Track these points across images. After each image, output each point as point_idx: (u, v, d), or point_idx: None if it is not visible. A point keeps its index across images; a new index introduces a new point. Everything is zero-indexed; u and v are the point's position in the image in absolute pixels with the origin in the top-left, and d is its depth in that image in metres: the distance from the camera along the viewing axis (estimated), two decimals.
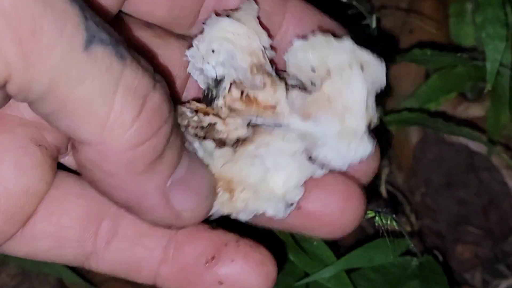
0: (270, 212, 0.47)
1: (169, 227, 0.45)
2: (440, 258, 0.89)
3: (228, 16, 0.46)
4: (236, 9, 0.47)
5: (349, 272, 0.82)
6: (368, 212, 0.70)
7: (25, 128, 0.45)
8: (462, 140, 0.97)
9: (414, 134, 0.97)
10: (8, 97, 0.41)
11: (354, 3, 0.86)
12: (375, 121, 0.45)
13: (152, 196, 0.43)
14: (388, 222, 0.73)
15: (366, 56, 0.44)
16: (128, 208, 0.44)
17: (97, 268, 0.48)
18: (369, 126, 0.45)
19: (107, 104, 0.39)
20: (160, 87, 0.41)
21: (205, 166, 0.46)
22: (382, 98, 0.88)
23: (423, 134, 0.97)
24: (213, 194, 0.46)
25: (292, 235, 0.81)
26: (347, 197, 0.48)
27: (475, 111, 0.98)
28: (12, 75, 0.38)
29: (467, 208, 0.96)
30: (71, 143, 0.44)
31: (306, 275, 0.82)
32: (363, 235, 0.98)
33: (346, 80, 0.44)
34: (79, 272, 0.90)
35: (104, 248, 0.47)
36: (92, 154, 0.41)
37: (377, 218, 0.70)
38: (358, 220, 0.49)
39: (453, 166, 0.97)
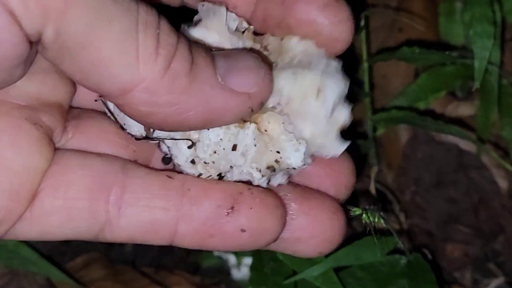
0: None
1: (252, 111, 0.46)
2: (429, 256, 0.89)
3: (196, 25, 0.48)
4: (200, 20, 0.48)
5: (337, 270, 0.81)
6: (356, 209, 0.69)
7: (20, 110, 0.46)
8: (452, 139, 0.97)
9: (404, 133, 0.97)
10: (34, 54, 0.43)
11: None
12: (346, 123, 0.46)
13: (215, 96, 0.45)
14: (376, 220, 0.72)
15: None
16: (209, 122, 0.45)
17: (113, 238, 0.48)
18: (340, 129, 0.47)
19: (134, 41, 0.42)
20: (161, 15, 0.45)
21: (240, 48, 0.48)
22: (371, 96, 0.89)
23: (413, 133, 0.97)
24: (263, 63, 0.47)
25: None
26: (334, 210, 0.51)
27: (464, 109, 0.98)
28: (51, 17, 0.40)
29: (457, 207, 0.96)
30: (113, 105, 0.46)
31: (294, 273, 0.82)
32: (351, 233, 0.98)
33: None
34: (68, 271, 0.90)
35: (117, 215, 0.47)
36: (140, 96, 0.43)
37: (364, 215, 0.70)
38: (343, 233, 0.52)
39: (443, 165, 0.97)
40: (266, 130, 0.48)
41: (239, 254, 0.92)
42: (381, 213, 0.74)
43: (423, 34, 0.96)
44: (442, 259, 0.95)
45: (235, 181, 0.48)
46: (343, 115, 0.47)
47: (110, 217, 0.47)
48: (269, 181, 0.48)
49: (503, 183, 0.96)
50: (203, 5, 0.48)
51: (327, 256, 0.81)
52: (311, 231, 0.52)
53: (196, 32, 0.47)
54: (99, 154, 0.48)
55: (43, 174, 0.46)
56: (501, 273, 0.95)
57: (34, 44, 0.41)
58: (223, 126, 0.47)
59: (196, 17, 0.49)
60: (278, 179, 0.49)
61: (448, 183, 0.97)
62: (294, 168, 0.48)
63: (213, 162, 0.47)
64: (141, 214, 0.47)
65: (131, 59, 0.42)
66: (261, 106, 0.47)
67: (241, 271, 0.96)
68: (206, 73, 0.45)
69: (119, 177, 0.47)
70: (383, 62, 0.94)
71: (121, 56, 0.42)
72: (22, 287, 0.89)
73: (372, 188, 0.88)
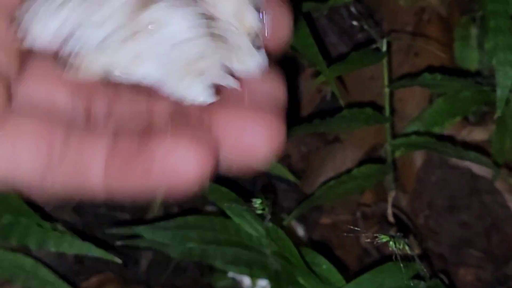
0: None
1: None
2: (446, 281, 0.89)
3: None
4: None
5: None
6: (383, 237, 0.69)
7: None
8: (466, 163, 0.97)
9: (418, 157, 0.97)
10: None
11: (365, 27, 0.86)
12: (256, 32, 0.42)
13: None
14: (401, 246, 0.73)
15: None
16: None
17: (52, 188, 0.46)
18: (253, 39, 0.42)
19: None
20: None
21: None
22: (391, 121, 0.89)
23: (427, 156, 0.97)
24: None
25: (303, 258, 0.80)
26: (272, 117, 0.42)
27: (478, 134, 0.98)
28: None
29: (469, 231, 0.97)
30: None
31: None
32: (369, 259, 0.98)
33: None
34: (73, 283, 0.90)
35: (58, 163, 0.45)
36: None
37: (391, 243, 0.70)
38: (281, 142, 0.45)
39: (456, 189, 0.97)
40: None
41: (253, 276, 0.91)
42: (406, 240, 0.74)
43: (438, 59, 0.97)
44: (454, 284, 0.96)
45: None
46: (251, 18, 0.42)
47: (51, 164, 0.46)
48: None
49: None
50: None
51: (348, 282, 0.81)
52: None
53: None
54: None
55: None
56: None
57: None
58: None
59: None
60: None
61: (461, 207, 0.97)
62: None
63: None
64: (75, 163, 0.44)
65: None
66: None
67: None
68: None
69: (63, 125, 0.44)
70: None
71: None
72: None
73: (390, 213, 0.89)
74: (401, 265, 0.72)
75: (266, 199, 0.75)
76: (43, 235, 0.83)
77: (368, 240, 0.97)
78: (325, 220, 0.98)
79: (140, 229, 0.83)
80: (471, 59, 0.97)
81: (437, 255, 0.96)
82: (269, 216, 0.77)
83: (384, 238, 0.70)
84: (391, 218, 0.87)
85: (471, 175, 0.97)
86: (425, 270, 0.74)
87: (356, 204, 0.98)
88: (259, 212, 0.77)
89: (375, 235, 0.68)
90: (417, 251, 0.90)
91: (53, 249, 0.83)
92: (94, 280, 0.94)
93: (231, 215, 0.82)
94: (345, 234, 0.98)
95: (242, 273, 0.86)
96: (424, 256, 0.89)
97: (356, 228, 0.93)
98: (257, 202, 0.74)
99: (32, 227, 0.83)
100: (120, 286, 0.95)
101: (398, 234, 0.73)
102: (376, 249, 0.97)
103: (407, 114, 0.96)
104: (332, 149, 0.98)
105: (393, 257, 0.72)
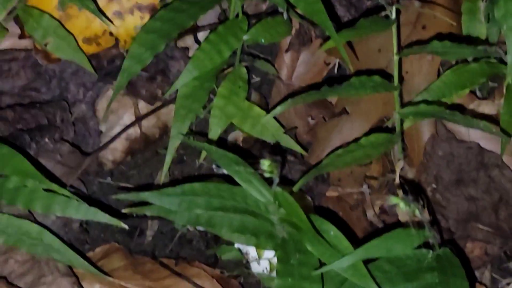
0: None
1: None
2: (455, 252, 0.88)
3: None
4: None
5: (364, 263, 0.81)
6: (393, 198, 0.69)
7: None
8: (473, 137, 0.97)
9: (425, 131, 0.97)
10: None
11: None
12: None
13: None
14: (412, 210, 0.72)
15: None
16: None
17: None
18: None
19: None
20: None
21: None
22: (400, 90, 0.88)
23: (434, 130, 0.97)
24: None
25: (312, 223, 0.80)
26: None
27: (486, 108, 0.98)
28: None
29: (477, 206, 0.96)
30: None
31: (321, 265, 0.82)
32: (372, 229, 0.98)
33: None
34: (90, 260, 0.89)
35: None
36: None
37: (401, 205, 0.69)
38: None
39: (464, 163, 0.97)
40: None
41: (260, 246, 0.90)
42: (418, 205, 0.73)
43: (447, 28, 0.96)
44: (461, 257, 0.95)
45: None
46: None
47: None
48: None
49: None
50: None
51: (356, 247, 0.81)
52: None
53: None
54: None
55: None
56: None
57: None
58: None
59: None
60: None
61: (468, 182, 0.97)
62: None
63: None
64: None
65: None
66: None
67: (261, 264, 0.95)
68: None
69: None
70: (407, 58, 0.94)
71: None
72: (43, 274, 0.87)
73: (398, 182, 0.88)
74: (413, 229, 0.71)
75: (274, 162, 0.75)
76: (49, 200, 0.82)
77: (374, 213, 0.96)
78: (332, 192, 0.98)
79: (147, 195, 0.82)
80: (478, 33, 0.96)
81: (444, 229, 0.96)
82: (277, 179, 0.76)
83: (395, 200, 0.69)
84: (398, 187, 0.86)
85: (479, 149, 0.97)
86: (436, 236, 0.73)
87: (363, 177, 0.97)
88: (267, 175, 0.76)
89: (386, 197, 0.67)
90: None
91: (59, 214, 0.83)
92: (99, 250, 0.94)
93: (238, 180, 0.81)
94: (351, 206, 0.98)
95: (248, 243, 0.85)
96: (433, 225, 0.88)
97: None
98: (265, 164, 0.74)
99: (38, 192, 0.83)
100: (126, 256, 0.94)
101: (410, 197, 0.72)
102: (382, 222, 0.97)
103: (415, 87, 0.95)
104: (339, 121, 0.98)
105: (406, 221, 0.71)
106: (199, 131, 0.98)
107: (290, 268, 0.82)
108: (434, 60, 0.96)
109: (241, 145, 0.98)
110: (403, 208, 0.69)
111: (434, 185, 0.96)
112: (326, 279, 0.83)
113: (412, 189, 0.92)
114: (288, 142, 0.95)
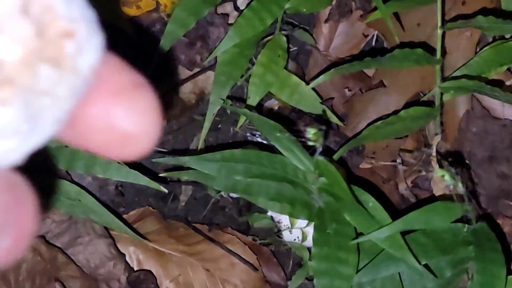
0: None
1: None
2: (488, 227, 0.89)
3: None
4: None
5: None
6: (439, 170, 0.69)
7: None
8: (508, 114, 0.97)
9: (461, 107, 0.97)
10: None
11: None
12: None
13: None
14: (454, 181, 0.72)
15: None
16: None
17: None
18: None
19: None
20: None
21: None
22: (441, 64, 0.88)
23: (469, 107, 0.97)
24: None
25: (353, 193, 0.80)
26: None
27: None
28: None
29: (508, 183, 0.96)
30: None
31: (358, 235, 0.82)
32: (403, 202, 0.98)
33: None
34: (126, 222, 0.89)
35: None
36: None
37: (446, 177, 0.70)
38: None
39: (497, 141, 0.97)
40: None
41: (294, 216, 0.91)
42: (459, 177, 0.74)
43: (486, 3, 0.96)
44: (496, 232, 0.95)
45: None
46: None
47: None
48: None
49: None
50: None
51: (394, 219, 0.81)
52: None
53: None
54: None
55: None
56: None
57: None
58: None
59: None
60: None
61: (501, 159, 0.97)
62: None
63: None
64: None
65: None
66: None
67: (293, 233, 0.95)
68: None
69: None
70: (445, 34, 0.94)
71: None
72: (79, 235, 0.88)
73: (434, 157, 0.88)
74: (455, 202, 0.72)
75: (319, 130, 0.75)
76: (90, 161, 0.83)
77: (407, 186, 0.97)
78: (365, 165, 0.98)
79: (187, 160, 0.82)
80: None
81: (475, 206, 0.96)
82: (320, 148, 0.76)
83: (441, 172, 0.69)
84: (435, 161, 0.87)
85: None
86: (477, 209, 0.74)
87: (398, 150, 0.97)
88: (311, 143, 0.76)
89: (430, 168, 0.67)
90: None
91: (100, 175, 0.83)
92: (134, 213, 0.94)
93: (279, 147, 0.81)
94: (383, 179, 0.98)
95: (283, 211, 0.85)
96: (470, 199, 0.88)
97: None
98: (310, 132, 0.74)
99: (79, 153, 0.83)
100: (159, 220, 0.95)
101: (452, 170, 0.72)
102: (415, 196, 0.97)
103: (452, 63, 0.95)
104: (376, 93, 0.97)
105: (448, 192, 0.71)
106: (235, 97, 0.98)
107: (326, 237, 0.83)
108: (472, 36, 0.96)
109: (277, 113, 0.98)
110: (447, 180, 0.69)
111: (467, 161, 0.96)
112: (361, 250, 0.83)
113: (450, 163, 0.92)
114: (325, 112, 0.95)
